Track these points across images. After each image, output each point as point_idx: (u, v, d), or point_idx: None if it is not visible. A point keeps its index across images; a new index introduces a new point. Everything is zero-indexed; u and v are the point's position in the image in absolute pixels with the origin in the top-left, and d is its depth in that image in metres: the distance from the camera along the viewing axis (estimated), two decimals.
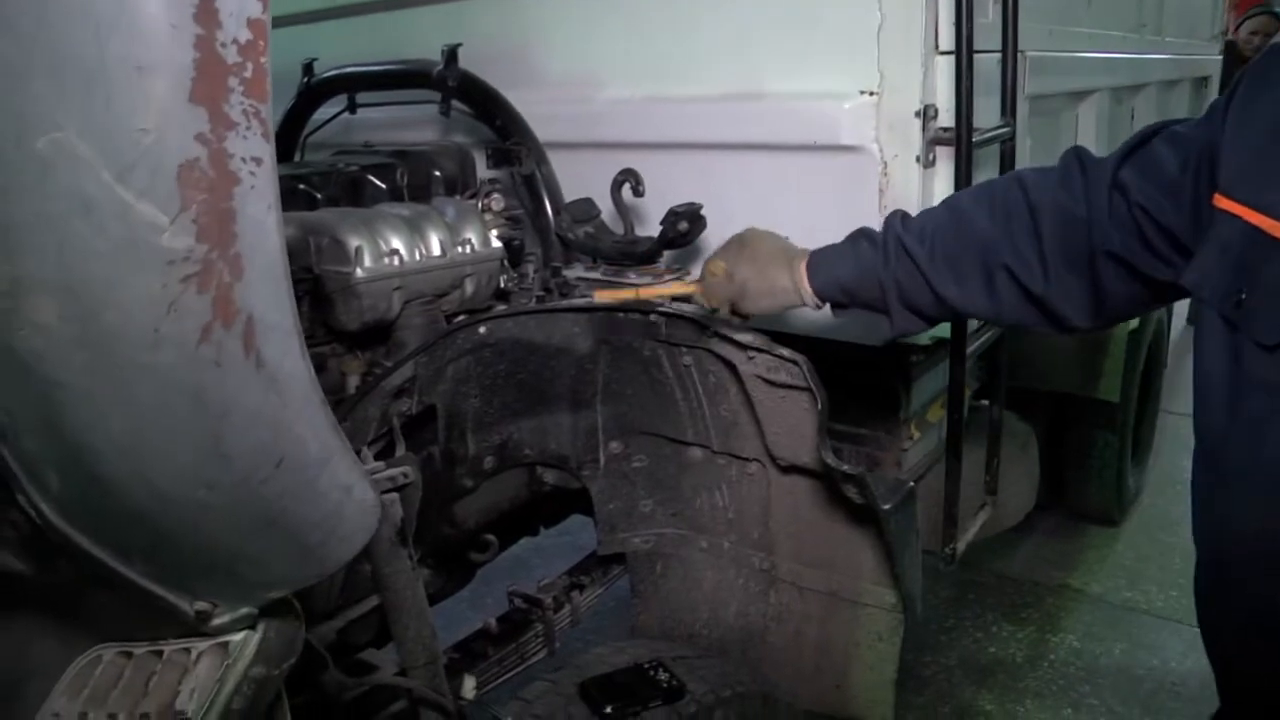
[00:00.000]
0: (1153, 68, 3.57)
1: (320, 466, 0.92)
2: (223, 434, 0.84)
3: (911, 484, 1.62)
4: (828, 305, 1.52)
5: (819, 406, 1.55)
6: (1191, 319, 2.16)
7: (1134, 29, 3.36)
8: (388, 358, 1.71)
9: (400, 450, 1.59)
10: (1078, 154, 1.30)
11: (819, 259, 1.47)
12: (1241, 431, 1.00)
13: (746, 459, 1.85)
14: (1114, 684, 3.33)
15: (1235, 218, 1.01)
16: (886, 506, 1.55)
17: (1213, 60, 5.10)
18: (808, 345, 1.68)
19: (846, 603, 1.83)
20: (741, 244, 1.48)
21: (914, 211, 1.84)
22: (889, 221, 1.45)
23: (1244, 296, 0.98)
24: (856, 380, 2.23)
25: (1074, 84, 2.77)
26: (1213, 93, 5.09)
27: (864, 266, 1.43)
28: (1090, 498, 4.23)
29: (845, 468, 1.53)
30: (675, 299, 1.70)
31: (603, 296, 1.71)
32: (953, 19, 1.82)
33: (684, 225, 1.84)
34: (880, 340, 1.48)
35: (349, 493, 0.95)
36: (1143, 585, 3.94)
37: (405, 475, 1.45)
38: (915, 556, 1.71)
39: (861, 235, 1.48)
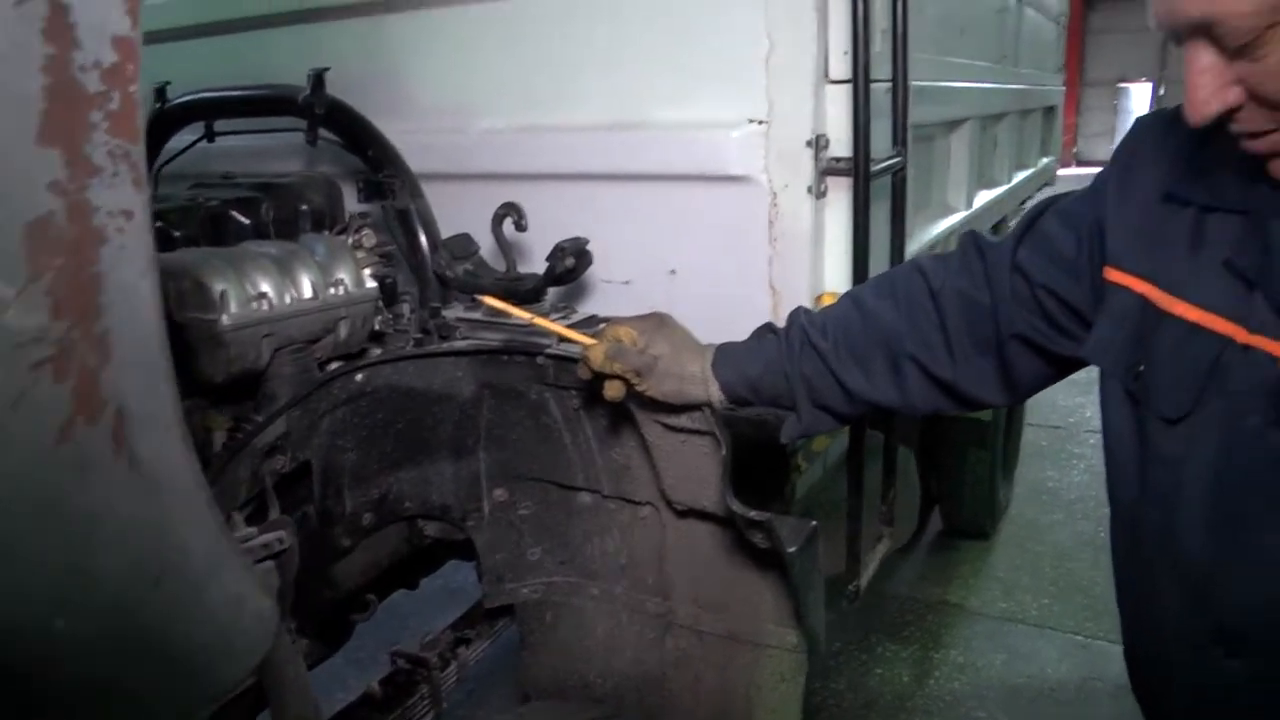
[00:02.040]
0: (1012, 97, 3.69)
1: (207, 578, 0.78)
2: (88, 549, 0.70)
3: (814, 524, 1.58)
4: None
5: (723, 452, 1.49)
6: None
7: (997, 60, 3.45)
8: (257, 411, 1.58)
9: (274, 513, 1.46)
10: (975, 239, 1.30)
11: (724, 354, 1.42)
12: (1152, 504, 1.01)
13: (639, 503, 1.78)
14: (997, 695, 3.41)
15: (1125, 289, 1.03)
16: (792, 549, 1.50)
17: (1058, 91, 5.34)
18: None
19: (747, 645, 1.77)
20: (661, 321, 1.42)
21: (806, 245, 1.83)
22: (792, 316, 1.42)
23: (1142, 369, 1.00)
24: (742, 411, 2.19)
25: (950, 113, 2.82)
26: (1059, 122, 5.33)
27: (769, 360, 1.39)
28: (964, 513, 4.34)
29: (752, 514, 1.48)
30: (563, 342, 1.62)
31: (492, 303, 1.58)
32: (843, 48, 1.81)
33: (570, 261, 1.77)
34: (788, 439, 1.44)
35: (241, 604, 0.82)
36: (1017, 595, 4.05)
37: (280, 541, 1.32)
38: (819, 596, 1.67)
39: (766, 330, 1.44)
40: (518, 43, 2.07)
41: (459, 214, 2.05)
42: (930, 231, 2.62)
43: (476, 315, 1.83)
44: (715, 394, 1.42)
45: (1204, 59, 0.83)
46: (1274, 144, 0.85)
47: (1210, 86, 0.83)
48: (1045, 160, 4.89)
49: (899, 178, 2.03)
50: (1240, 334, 0.91)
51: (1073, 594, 4.00)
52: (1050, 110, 5.07)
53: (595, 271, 1.94)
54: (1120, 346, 1.03)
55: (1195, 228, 0.98)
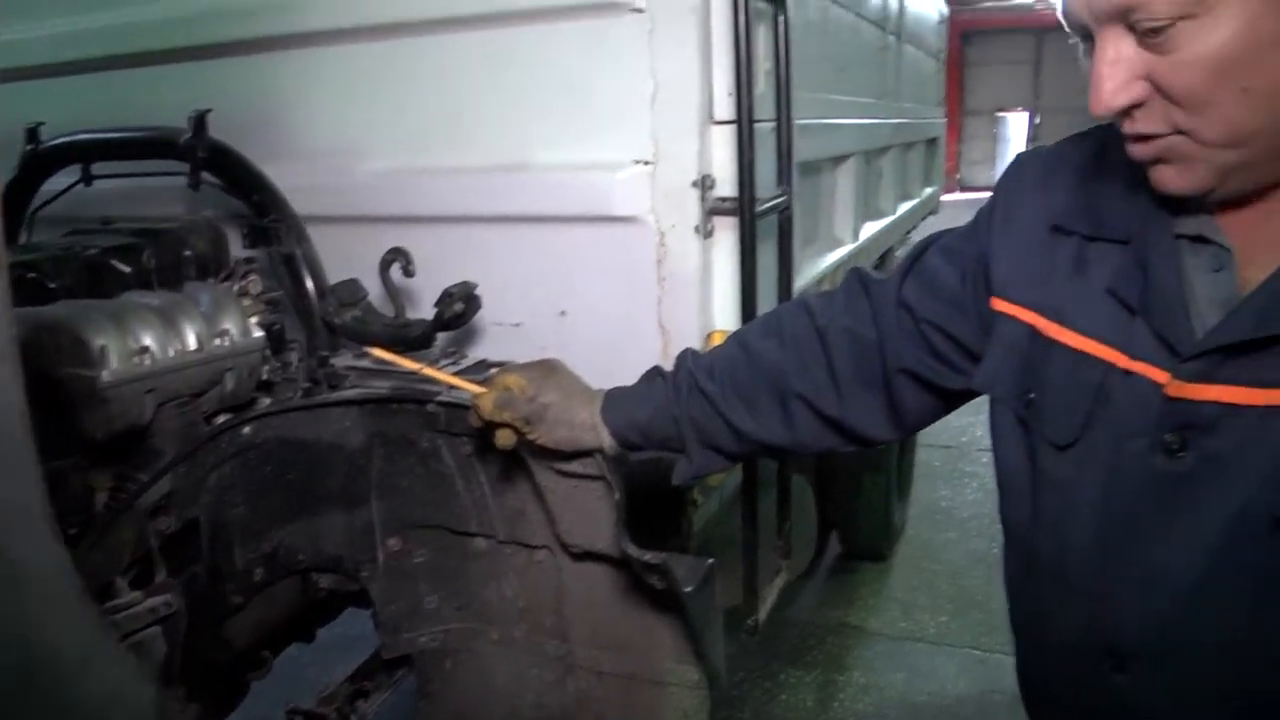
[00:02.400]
0: (895, 131, 3.80)
1: (81, 674, 0.74)
2: None
3: (710, 561, 1.59)
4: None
5: (615, 496, 1.50)
6: None
7: (879, 96, 3.55)
8: (141, 469, 1.52)
9: (160, 575, 1.42)
10: (860, 277, 1.32)
11: (613, 399, 1.42)
12: (1044, 529, 1.03)
13: (535, 547, 1.77)
14: (900, 714, 3.46)
15: (1013, 318, 1.05)
16: (688, 589, 1.52)
17: (939, 123, 5.52)
18: None
19: (648, 684, 1.78)
20: (550, 369, 1.42)
21: (694, 285, 1.85)
22: (680, 359, 1.43)
23: (1033, 396, 1.01)
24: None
25: (835, 149, 2.88)
26: (941, 153, 5.52)
27: (657, 404, 1.39)
28: (861, 537, 4.41)
29: (647, 557, 1.48)
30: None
31: (378, 354, 1.56)
32: (728, 89, 1.84)
33: (459, 306, 1.77)
34: (680, 480, 1.45)
35: (118, 700, 0.78)
36: (915, 614, 4.13)
37: (167, 605, 1.29)
38: (717, 633, 1.68)
39: (655, 374, 1.45)
40: (404, 83, 2.06)
41: (346, 258, 2.02)
42: (819, 265, 2.67)
43: (366, 363, 1.80)
44: (606, 440, 1.42)
45: (1115, 49, 0.83)
46: (1161, 149, 0.86)
47: (1120, 78, 0.83)
48: (929, 190, 5.04)
49: (784, 216, 2.07)
50: (1123, 360, 0.93)
51: (969, 610, 4.10)
52: (932, 142, 5.24)
53: (485, 314, 1.94)
54: (1010, 375, 1.05)
55: (1079, 257, 1.00)
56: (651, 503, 1.80)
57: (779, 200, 2.02)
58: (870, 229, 3.42)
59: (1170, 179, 0.87)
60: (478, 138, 2.01)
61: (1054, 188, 1.06)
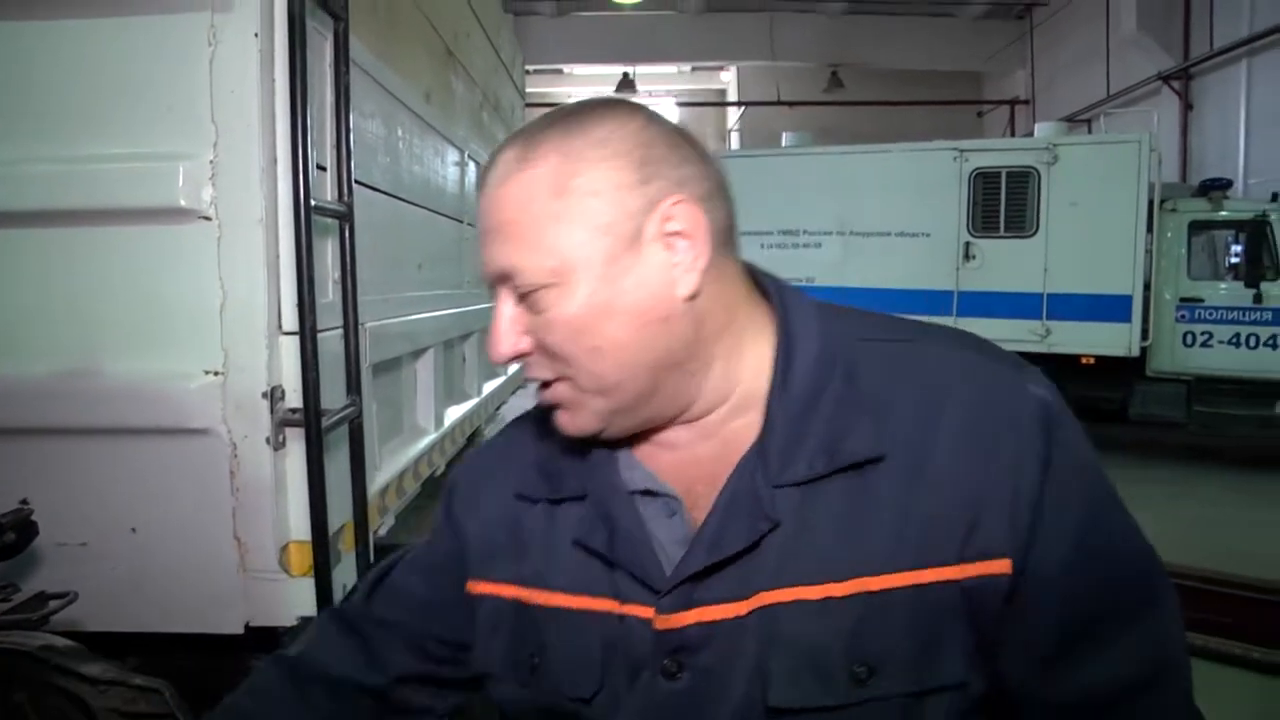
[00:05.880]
0: (475, 317, 3.94)
1: None
2: None
3: None
4: None
5: None
6: None
7: (458, 285, 3.74)
8: None
9: None
10: (329, 614, 1.30)
11: None
12: None
13: None
14: None
15: (494, 597, 1.08)
16: None
17: None
18: None
19: None
20: None
21: (268, 495, 1.86)
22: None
23: (537, 662, 1.04)
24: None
25: (410, 346, 2.96)
26: None
27: None
28: None
29: None
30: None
31: None
32: (295, 299, 1.89)
33: (10, 536, 1.68)
34: None
35: None
36: None
37: None
38: None
39: None
40: None
41: None
42: (401, 459, 2.74)
43: None
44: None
45: (507, 307, 0.96)
46: (553, 395, 0.99)
47: (509, 332, 0.96)
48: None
49: (355, 424, 2.12)
50: (616, 607, 0.99)
51: None
52: None
53: (47, 536, 1.84)
54: (503, 651, 1.07)
55: (548, 521, 1.05)
56: None
57: (348, 410, 2.07)
58: (455, 413, 3.54)
59: (565, 422, 1.00)
60: (40, 344, 1.93)
61: (511, 463, 1.12)
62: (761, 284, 1.04)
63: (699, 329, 0.96)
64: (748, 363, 1.00)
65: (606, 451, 1.03)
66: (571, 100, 1.06)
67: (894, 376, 0.97)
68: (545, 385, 0.99)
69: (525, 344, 0.97)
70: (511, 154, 0.95)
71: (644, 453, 1.04)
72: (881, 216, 9.54)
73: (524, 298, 0.95)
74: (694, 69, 20.60)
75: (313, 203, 1.90)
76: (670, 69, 20.23)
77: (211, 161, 1.89)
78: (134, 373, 1.91)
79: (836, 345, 0.99)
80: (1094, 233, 8.57)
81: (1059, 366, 8.59)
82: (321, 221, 2.00)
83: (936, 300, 9.26)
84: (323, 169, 2.08)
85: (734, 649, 0.95)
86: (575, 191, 0.92)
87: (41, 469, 1.90)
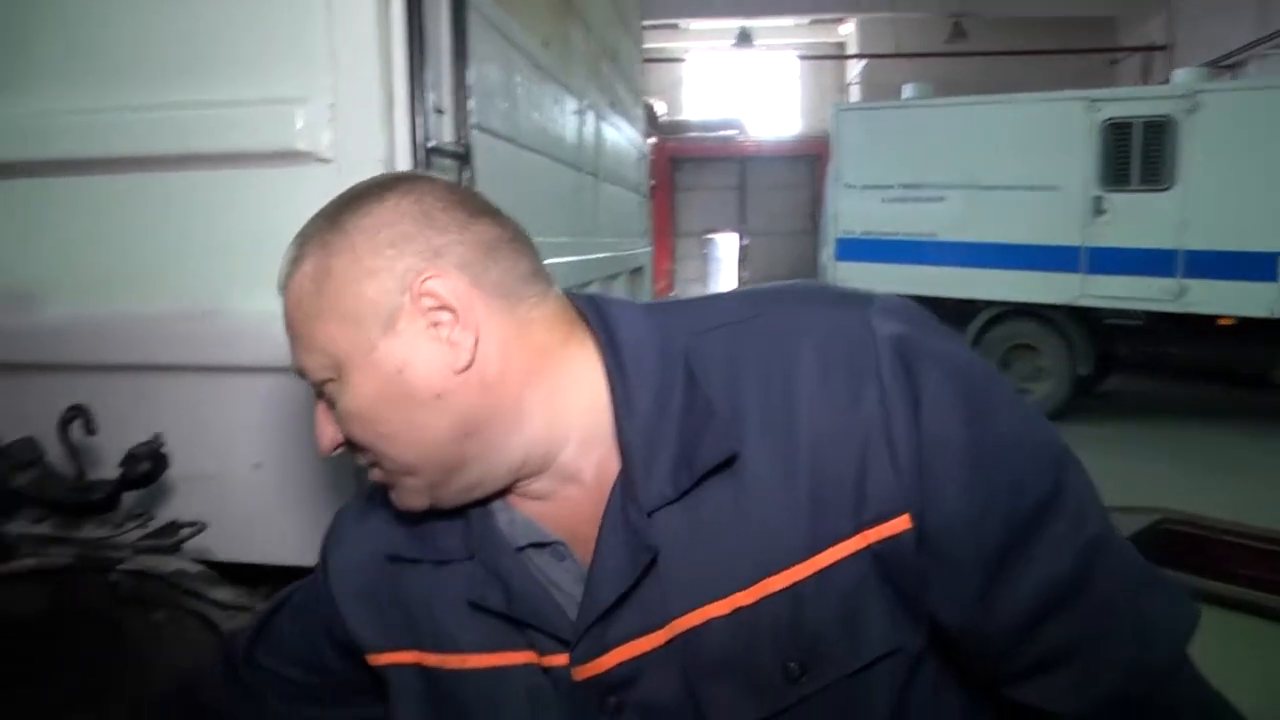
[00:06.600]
0: (595, 265, 3.97)
1: None
2: None
3: None
4: None
5: None
6: None
7: (578, 233, 3.74)
8: None
9: None
10: (222, 661, 1.29)
11: None
12: None
13: None
14: None
15: (396, 666, 1.06)
16: None
17: (644, 253, 5.86)
18: None
19: None
20: None
21: None
22: None
23: None
24: None
25: None
26: (647, 282, 5.83)
27: None
28: None
29: None
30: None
31: None
32: None
33: (145, 466, 1.73)
34: None
35: None
36: None
37: None
38: None
39: None
40: (87, 221, 1.99)
41: (20, 413, 1.91)
42: None
43: (46, 529, 1.73)
44: None
45: (320, 404, 0.98)
46: (376, 477, 1.00)
47: (323, 424, 0.98)
48: None
49: None
50: (534, 658, 0.98)
51: None
52: (638, 271, 5.53)
53: (177, 468, 1.90)
54: (422, 717, 1.05)
55: (435, 582, 1.03)
56: None
57: None
58: None
59: (399, 499, 1.00)
60: (168, 283, 1.97)
61: (376, 525, 1.10)
62: (582, 311, 1.01)
63: (490, 393, 0.94)
64: (579, 400, 0.97)
65: (481, 508, 1.02)
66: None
67: (736, 362, 0.93)
68: (373, 465, 1.00)
69: (336, 433, 0.98)
70: (290, 254, 0.96)
71: (518, 504, 1.02)
72: (1007, 170, 9.21)
73: (320, 394, 0.97)
74: (812, 22, 20.20)
75: (431, 144, 1.90)
76: (788, 22, 19.89)
77: (331, 105, 1.89)
78: (260, 313, 1.92)
79: (672, 347, 0.95)
80: (1238, 185, 8.08)
81: (1194, 327, 8.23)
82: (440, 163, 2.00)
83: (1063, 256, 8.94)
84: (440, 112, 2.07)
85: (665, 678, 0.93)
86: (330, 285, 0.92)
87: (173, 404, 1.96)
